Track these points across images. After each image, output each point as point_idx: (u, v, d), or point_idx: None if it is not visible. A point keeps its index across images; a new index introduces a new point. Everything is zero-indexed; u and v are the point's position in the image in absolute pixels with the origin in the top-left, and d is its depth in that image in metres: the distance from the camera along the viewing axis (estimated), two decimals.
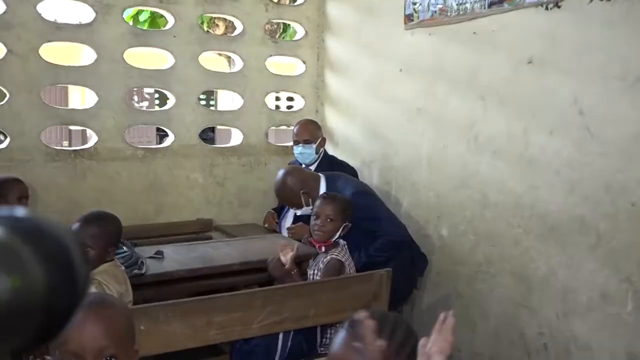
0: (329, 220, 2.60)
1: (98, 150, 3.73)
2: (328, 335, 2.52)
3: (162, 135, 9.58)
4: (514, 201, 2.98)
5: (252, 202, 4.23)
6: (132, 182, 3.82)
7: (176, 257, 2.72)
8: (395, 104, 3.75)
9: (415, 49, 3.57)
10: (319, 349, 2.48)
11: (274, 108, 4.72)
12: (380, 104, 3.89)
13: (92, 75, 3.68)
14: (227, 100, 6.04)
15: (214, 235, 4.09)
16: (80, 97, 10.29)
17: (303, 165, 3.94)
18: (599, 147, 2.57)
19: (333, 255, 2.56)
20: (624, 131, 2.47)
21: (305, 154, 3.81)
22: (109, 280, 2.06)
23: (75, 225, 2.13)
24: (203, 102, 3.73)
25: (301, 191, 3.22)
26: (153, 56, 4.06)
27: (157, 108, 9.76)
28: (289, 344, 2.38)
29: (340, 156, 4.16)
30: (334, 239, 2.62)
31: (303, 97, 4.47)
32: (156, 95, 12.17)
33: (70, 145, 7.43)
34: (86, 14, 3.74)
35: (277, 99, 5.28)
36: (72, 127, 5.98)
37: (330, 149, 4.38)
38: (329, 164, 3.87)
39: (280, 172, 3.35)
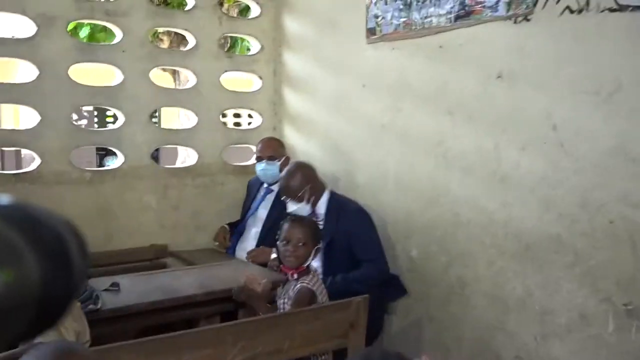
0: (300, 244, 2.54)
1: (41, 173, 3.58)
2: None
3: (102, 155, 9.33)
4: (487, 219, 2.97)
5: (209, 226, 4.13)
6: (79, 207, 3.68)
7: (134, 289, 2.63)
8: (358, 120, 3.73)
9: (378, 64, 3.55)
10: None
11: (232, 125, 4.66)
12: (343, 121, 3.86)
13: (34, 93, 3.52)
14: (172, 117, 5.90)
15: (169, 262, 3.96)
16: (13, 117, 9.92)
17: (265, 185, 3.89)
18: (574, 163, 2.59)
19: (304, 284, 2.49)
20: (598, 146, 2.49)
21: (268, 170, 3.79)
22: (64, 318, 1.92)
23: None
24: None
25: (308, 185, 3.28)
26: (100, 72, 3.94)
27: (96, 127, 9.64)
28: None
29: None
30: (306, 264, 2.55)
31: (260, 113, 4.41)
32: (95, 113, 11.88)
33: (2, 169, 7.11)
34: (26, 28, 3.58)
35: (237, 115, 5.21)
36: (5, 149, 5.73)
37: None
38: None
39: (294, 162, 3.52)
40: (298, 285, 2.50)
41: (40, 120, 3.56)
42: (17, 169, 3.56)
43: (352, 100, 3.78)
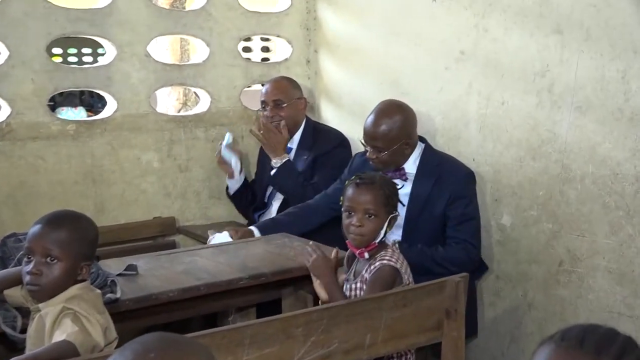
0: (368, 216, 2.53)
1: (12, 127, 3.58)
2: None
3: (51, 106, 9.34)
4: (609, 173, 2.95)
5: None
6: (61, 170, 3.69)
7: (154, 273, 2.66)
8: (427, 47, 3.69)
9: None
10: None
11: (258, 60, 4.65)
12: (405, 48, 3.81)
13: None
14: (175, 52, 5.91)
15: (179, 240, 4.04)
16: None
17: None
18: None
19: (384, 261, 2.49)
20: None
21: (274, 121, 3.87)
22: (88, 310, 1.94)
23: (35, 228, 2.02)
24: None
25: (406, 139, 3.26)
26: None
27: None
28: None
29: (346, 125, 4.12)
30: (378, 239, 2.55)
31: (289, 41, 4.38)
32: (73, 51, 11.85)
33: None
34: None
35: (247, 49, 5.20)
36: None
37: (330, 115, 4.35)
38: (314, 133, 3.94)
39: (389, 101, 3.41)
40: (377, 264, 2.49)
41: (9, 56, 3.55)
42: None
43: (417, 19, 3.74)
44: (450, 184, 3.26)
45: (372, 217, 2.53)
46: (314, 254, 2.62)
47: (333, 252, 2.68)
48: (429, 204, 3.25)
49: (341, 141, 3.95)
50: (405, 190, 3.19)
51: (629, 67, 2.84)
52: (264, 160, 4.03)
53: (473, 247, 3.27)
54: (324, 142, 3.90)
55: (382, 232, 2.56)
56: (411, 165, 3.33)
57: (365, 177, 2.64)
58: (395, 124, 3.25)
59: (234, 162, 3.98)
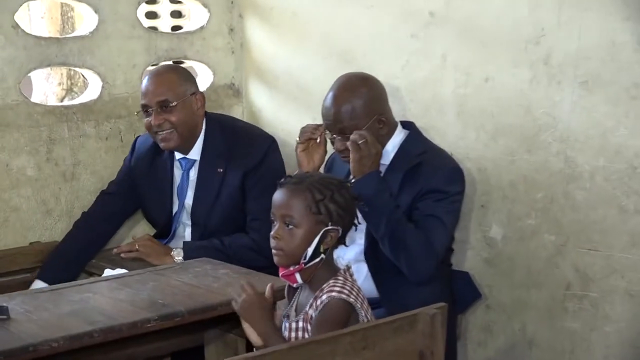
0: (287, 226, 2.54)
1: None
2: None
3: None
4: (627, 167, 3.01)
5: None
6: None
7: (34, 317, 2.60)
8: (386, 8, 3.71)
9: None
10: None
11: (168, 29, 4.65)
12: (359, 10, 3.83)
13: None
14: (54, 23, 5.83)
15: None
16: None
17: (177, 156, 3.90)
18: None
19: (332, 294, 2.46)
20: None
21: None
22: None
23: None
24: None
25: (378, 115, 3.29)
26: None
27: None
28: None
29: (284, 113, 4.16)
30: (306, 259, 2.53)
31: (205, 4, 4.37)
32: None
33: None
34: None
35: (151, 15, 5.14)
36: None
37: (262, 101, 4.37)
38: (224, 133, 3.87)
39: (346, 75, 3.43)
40: (324, 297, 2.47)
41: None
42: None
43: None
44: (424, 176, 3.26)
45: (292, 227, 2.53)
46: (242, 293, 2.57)
47: (267, 289, 2.62)
48: (397, 199, 3.25)
49: (270, 143, 3.89)
50: None
51: None
52: (147, 162, 3.98)
53: (432, 258, 3.21)
54: (247, 147, 3.83)
55: (310, 249, 2.54)
56: (387, 154, 3.37)
57: (295, 176, 2.65)
58: (361, 97, 3.29)
59: None
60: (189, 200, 3.88)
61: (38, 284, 3.56)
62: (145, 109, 3.75)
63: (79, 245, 3.80)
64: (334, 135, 3.31)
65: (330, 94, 3.32)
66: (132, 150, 4.00)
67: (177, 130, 3.70)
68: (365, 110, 3.26)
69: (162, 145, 3.75)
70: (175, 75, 3.84)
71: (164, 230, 3.97)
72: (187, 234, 3.92)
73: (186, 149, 3.82)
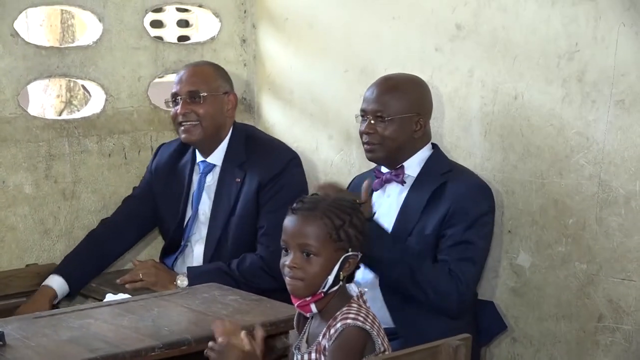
0: (306, 255, 2.47)
1: None
2: None
3: None
4: None
5: None
6: None
7: (32, 344, 2.62)
8: (411, 20, 3.70)
9: None
10: None
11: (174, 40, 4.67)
12: (381, 22, 3.82)
13: None
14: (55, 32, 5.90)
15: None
16: None
17: (198, 159, 3.92)
18: None
19: (347, 321, 2.42)
20: None
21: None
22: None
23: None
24: None
25: (418, 114, 3.32)
26: None
27: None
28: None
29: (299, 130, 4.12)
30: (326, 288, 2.48)
31: (216, 13, 4.38)
32: None
33: None
34: None
35: (157, 24, 5.16)
36: None
37: (275, 116, 4.34)
38: (248, 144, 3.86)
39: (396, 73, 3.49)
40: (338, 325, 2.44)
41: None
42: None
43: None
44: (452, 195, 3.26)
45: (312, 256, 2.48)
46: (215, 344, 2.49)
47: (257, 332, 2.52)
48: (422, 220, 3.27)
49: (292, 157, 3.89)
50: (397, 199, 3.33)
51: None
52: (168, 170, 3.99)
53: (468, 284, 3.23)
54: (266, 158, 3.82)
55: (331, 277, 2.49)
56: (414, 166, 3.37)
57: (307, 200, 2.58)
58: (409, 89, 3.35)
59: None
60: (203, 206, 3.89)
61: (54, 278, 3.62)
62: (175, 97, 3.80)
63: (100, 245, 3.87)
64: (368, 116, 3.30)
65: (379, 79, 3.40)
66: (154, 156, 4.03)
67: (202, 124, 3.73)
68: (409, 102, 3.30)
69: (183, 137, 3.77)
70: (212, 70, 3.94)
71: (174, 242, 3.95)
72: (196, 252, 3.89)
73: (207, 149, 3.84)
